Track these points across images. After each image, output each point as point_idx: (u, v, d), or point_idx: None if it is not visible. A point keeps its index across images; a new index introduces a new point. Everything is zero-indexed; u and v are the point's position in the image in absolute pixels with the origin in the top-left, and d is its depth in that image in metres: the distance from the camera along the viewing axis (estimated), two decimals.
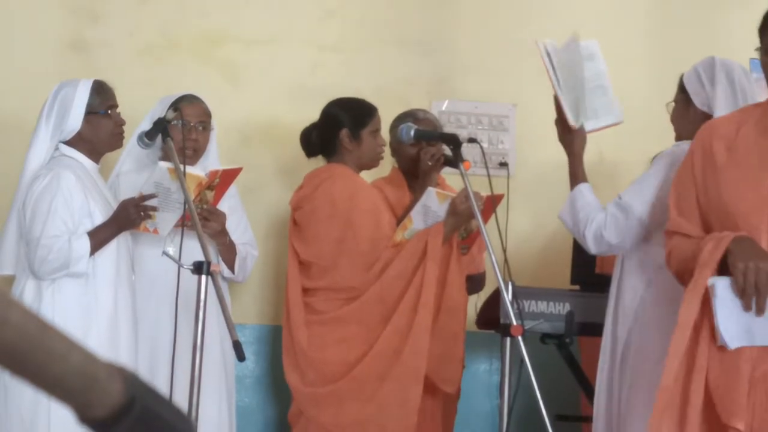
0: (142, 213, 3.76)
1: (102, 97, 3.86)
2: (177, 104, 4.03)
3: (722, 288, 2.67)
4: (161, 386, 3.49)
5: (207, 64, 4.80)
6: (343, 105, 4.29)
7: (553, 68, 3.66)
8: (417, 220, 4.03)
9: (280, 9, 4.90)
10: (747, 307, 2.64)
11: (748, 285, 2.62)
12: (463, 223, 4.04)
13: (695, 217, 2.90)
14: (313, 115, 4.35)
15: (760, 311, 2.63)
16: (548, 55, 3.64)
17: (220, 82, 4.78)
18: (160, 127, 3.77)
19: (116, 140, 3.93)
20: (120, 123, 3.90)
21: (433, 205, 4.00)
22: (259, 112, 4.83)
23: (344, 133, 4.21)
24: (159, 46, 4.77)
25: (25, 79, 4.59)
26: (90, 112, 3.82)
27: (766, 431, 2.67)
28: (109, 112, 3.86)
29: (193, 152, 4.01)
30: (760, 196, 2.78)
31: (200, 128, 4.08)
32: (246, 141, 4.81)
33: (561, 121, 3.70)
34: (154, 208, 3.78)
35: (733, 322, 2.67)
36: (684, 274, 2.85)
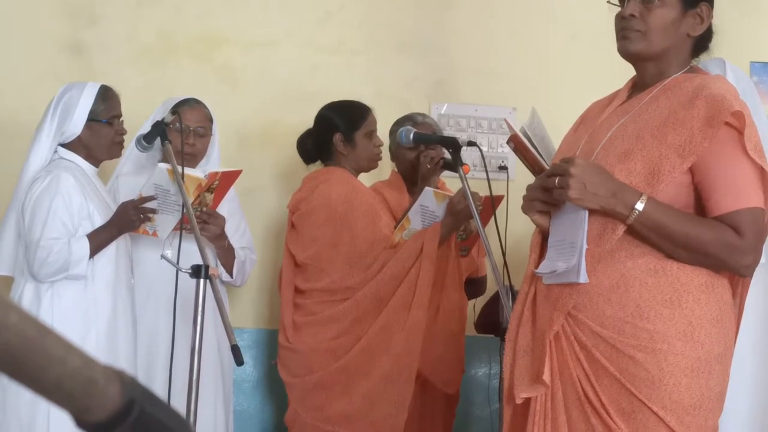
0: (141, 215, 3.75)
1: (106, 105, 3.83)
2: (177, 107, 4.02)
3: None
4: (159, 389, 3.50)
5: (205, 66, 4.79)
6: (334, 109, 4.28)
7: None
8: (415, 221, 4.03)
9: (279, 11, 4.88)
10: None
11: None
12: (461, 224, 4.03)
13: None
14: (311, 118, 4.34)
15: None
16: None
17: (218, 85, 4.77)
18: (159, 130, 3.75)
19: (115, 150, 3.91)
20: (121, 133, 3.87)
21: (430, 205, 3.99)
22: (257, 115, 4.82)
23: (338, 137, 4.21)
24: (157, 48, 4.76)
25: (23, 81, 4.59)
26: (92, 119, 3.81)
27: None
28: (112, 121, 3.85)
29: (190, 157, 3.99)
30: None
31: (200, 133, 4.07)
32: (244, 144, 4.80)
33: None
34: (154, 211, 3.76)
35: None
36: None
